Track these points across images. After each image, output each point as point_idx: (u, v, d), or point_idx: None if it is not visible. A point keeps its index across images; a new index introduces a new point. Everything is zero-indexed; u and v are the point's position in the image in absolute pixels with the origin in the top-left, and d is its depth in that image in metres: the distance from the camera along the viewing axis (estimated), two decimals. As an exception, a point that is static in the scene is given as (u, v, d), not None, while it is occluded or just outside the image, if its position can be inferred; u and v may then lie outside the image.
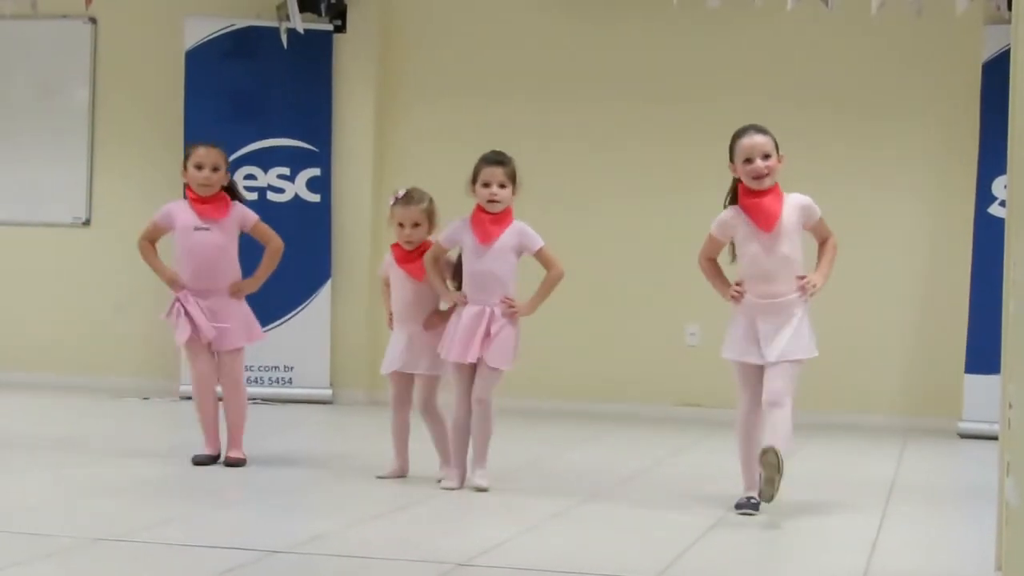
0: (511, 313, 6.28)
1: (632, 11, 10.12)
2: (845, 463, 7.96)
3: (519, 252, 6.35)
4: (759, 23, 9.82)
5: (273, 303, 10.08)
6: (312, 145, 10.33)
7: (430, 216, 6.51)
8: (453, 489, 6.29)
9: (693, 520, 5.72)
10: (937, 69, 9.84)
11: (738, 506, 5.90)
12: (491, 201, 6.28)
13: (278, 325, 10.09)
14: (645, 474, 7.24)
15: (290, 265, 10.15)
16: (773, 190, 5.96)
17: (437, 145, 10.34)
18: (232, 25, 10.34)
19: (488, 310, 6.26)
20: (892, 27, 9.59)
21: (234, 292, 6.92)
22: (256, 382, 10.07)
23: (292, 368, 10.23)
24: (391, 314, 6.62)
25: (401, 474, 6.62)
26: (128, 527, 5.24)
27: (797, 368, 5.90)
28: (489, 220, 6.30)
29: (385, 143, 10.49)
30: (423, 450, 6.68)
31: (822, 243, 6.07)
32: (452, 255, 6.54)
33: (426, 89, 10.47)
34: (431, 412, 6.56)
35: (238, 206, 7.05)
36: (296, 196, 10.28)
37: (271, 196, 10.23)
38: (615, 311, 10.09)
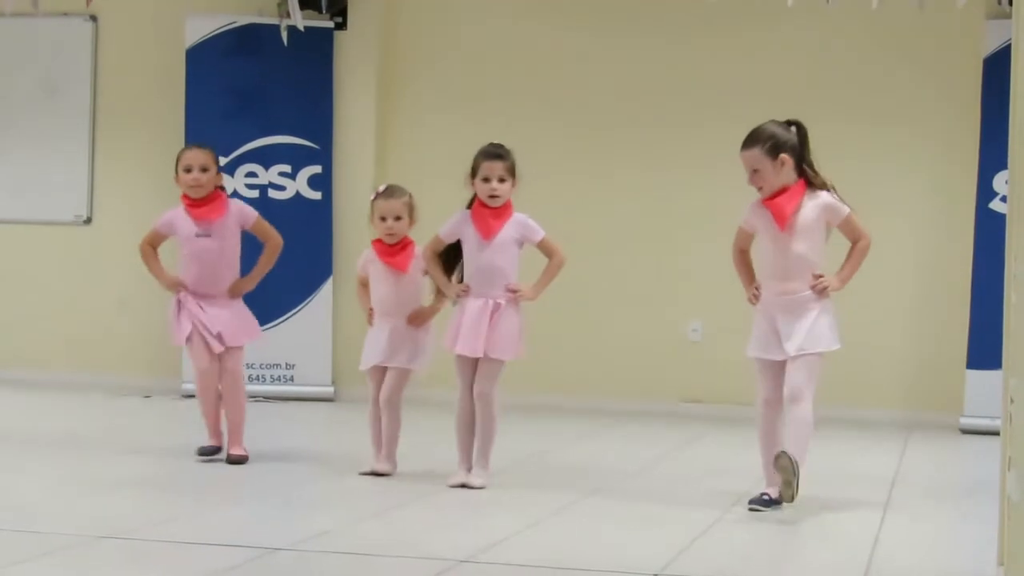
0: (515, 298, 6.28)
1: (634, 18, 10.10)
2: (847, 458, 7.96)
3: (521, 243, 6.37)
4: (760, 20, 9.81)
5: (274, 301, 10.07)
6: (313, 143, 10.31)
7: (411, 210, 6.56)
8: (459, 486, 6.28)
9: (695, 516, 5.72)
10: (938, 64, 9.81)
11: (751, 501, 5.90)
12: (492, 196, 6.29)
13: (280, 323, 10.09)
14: (647, 470, 7.24)
15: (291, 263, 10.15)
16: (789, 189, 5.93)
17: (439, 142, 10.32)
18: (233, 22, 10.32)
19: (491, 302, 6.27)
20: (893, 22, 9.57)
21: (233, 292, 6.96)
22: (258, 380, 10.07)
23: (294, 366, 10.23)
24: (371, 310, 6.63)
25: (391, 471, 6.60)
26: (130, 525, 5.24)
27: (817, 361, 5.92)
28: (490, 214, 6.31)
29: (386, 141, 10.49)
30: (413, 445, 6.69)
31: (852, 244, 6.05)
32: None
33: (427, 86, 10.46)
34: (394, 406, 6.57)
35: (236, 203, 7.06)
36: (297, 194, 10.27)
37: (272, 194, 10.23)
38: (617, 307, 10.08)
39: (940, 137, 9.81)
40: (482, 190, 6.30)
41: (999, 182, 9.25)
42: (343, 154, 10.37)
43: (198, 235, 6.91)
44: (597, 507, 6.04)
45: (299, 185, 10.28)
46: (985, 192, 9.42)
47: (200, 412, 6.99)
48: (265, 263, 7.09)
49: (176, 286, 6.92)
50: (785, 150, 5.94)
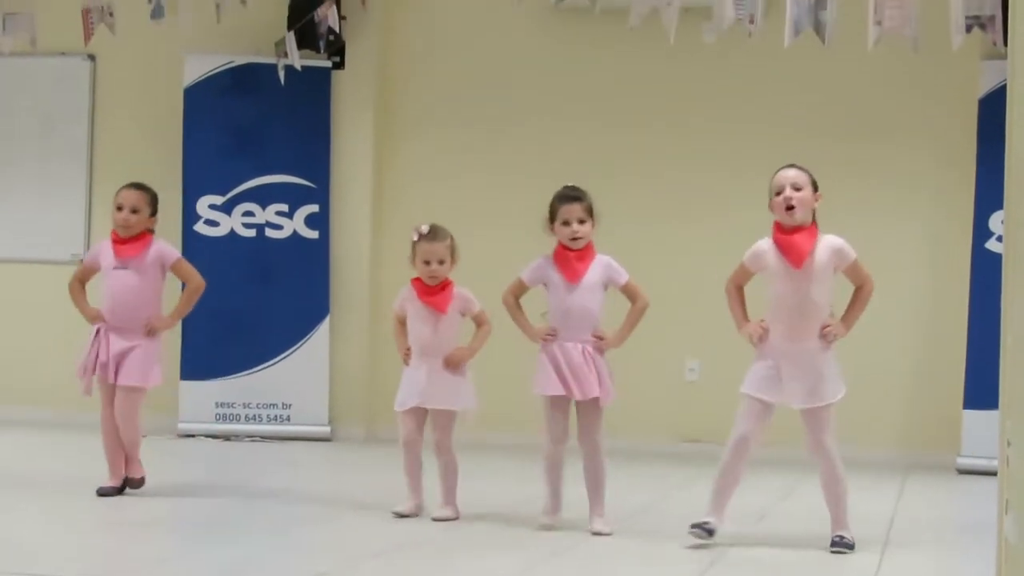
0: (600, 346, 6.26)
1: (628, 43, 10.14)
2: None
3: (606, 286, 6.35)
4: (755, 57, 9.85)
5: (271, 340, 10.07)
6: (310, 182, 10.34)
7: (453, 252, 6.52)
8: (550, 527, 6.27)
9: (694, 556, 5.71)
10: (934, 104, 9.86)
11: (693, 526, 5.90)
12: (574, 239, 6.27)
13: (276, 362, 10.08)
14: (645, 510, 7.22)
15: (288, 302, 10.18)
16: (806, 229, 5.91)
17: (435, 181, 10.37)
18: (231, 62, 10.37)
19: (581, 346, 6.24)
20: (889, 62, 9.61)
21: (148, 329, 7.00)
22: (254, 419, 10.06)
23: (290, 405, 10.21)
24: (408, 350, 6.56)
25: (417, 512, 6.55)
26: (125, 565, 5.22)
27: (830, 412, 5.94)
28: (575, 257, 6.28)
29: (383, 180, 10.51)
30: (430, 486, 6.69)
31: (857, 289, 6.01)
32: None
33: (424, 126, 10.50)
34: (447, 450, 6.51)
35: (157, 244, 7.10)
36: (294, 232, 10.29)
37: (269, 233, 10.24)
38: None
39: (936, 177, 9.84)
40: (564, 233, 6.27)
41: (995, 222, 9.27)
42: (340, 193, 10.39)
43: (115, 267, 7.00)
44: (596, 548, 6.01)
45: (296, 224, 10.30)
46: (981, 232, 9.44)
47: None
48: (185, 303, 7.17)
49: (96, 319, 7.03)
50: (816, 188, 5.95)
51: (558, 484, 6.37)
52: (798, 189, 5.90)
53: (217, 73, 10.37)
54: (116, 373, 6.95)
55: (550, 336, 6.26)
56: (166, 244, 7.16)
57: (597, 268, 6.31)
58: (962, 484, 8.87)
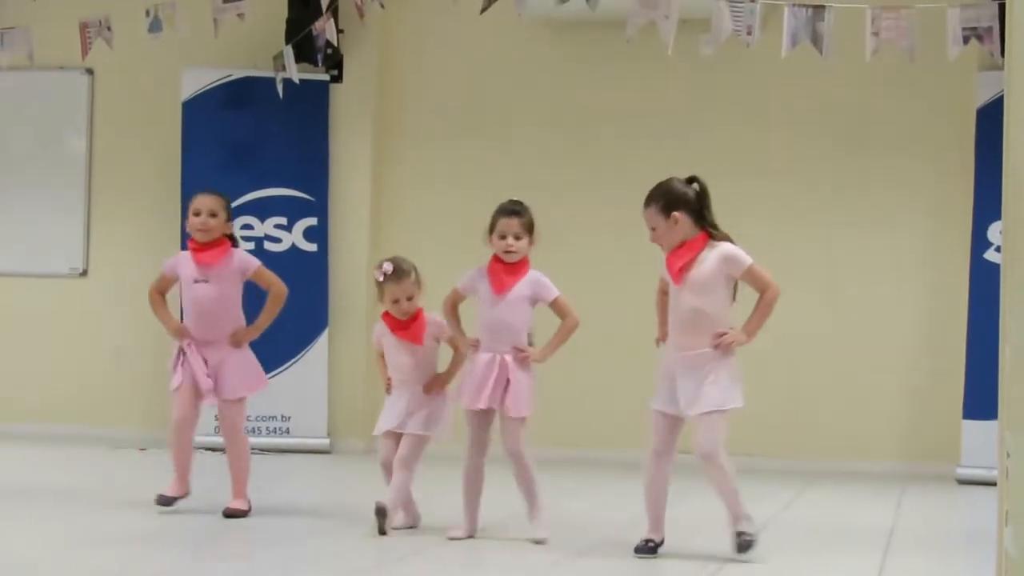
0: (522, 358, 6.29)
1: (625, 54, 10.12)
2: (843, 511, 7.93)
3: (534, 302, 6.39)
4: (753, 69, 9.84)
5: (270, 352, 10.03)
6: (309, 195, 10.34)
7: (419, 284, 6.57)
8: (460, 539, 6.27)
9: (693, 569, 5.70)
10: (932, 115, 9.86)
11: (637, 549, 5.96)
12: (507, 252, 6.33)
13: (275, 375, 10.04)
14: (634, 526, 7.19)
15: (287, 315, 10.13)
16: (688, 243, 5.92)
17: (434, 194, 10.36)
18: (229, 75, 10.37)
19: (499, 357, 6.29)
20: (886, 73, 9.61)
21: (234, 341, 6.94)
22: (253, 432, 10.03)
23: (289, 418, 10.21)
24: (389, 380, 6.63)
25: (414, 523, 6.63)
26: (125, 580, 5.21)
27: (720, 419, 5.87)
28: (504, 270, 6.35)
29: (382, 192, 10.51)
30: (430, 500, 6.67)
31: (760, 295, 5.96)
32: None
33: (423, 138, 10.49)
34: (407, 467, 6.49)
35: (238, 253, 7.07)
36: (293, 246, 10.29)
37: (268, 246, 10.23)
38: (616, 356, 10.02)
39: (935, 187, 9.84)
40: (498, 246, 6.35)
41: (994, 232, 9.27)
42: (339, 206, 10.38)
43: (197, 280, 6.92)
44: (595, 562, 6.01)
45: (295, 237, 10.30)
46: (980, 242, 9.44)
47: (171, 456, 6.97)
48: (269, 312, 7.08)
49: (180, 333, 6.93)
50: (679, 207, 5.93)
51: (471, 496, 6.37)
52: (653, 228, 6.00)
53: (215, 87, 10.37)
54: (217, 387, 6.86)
55: (473, 347, 6.34)
56: (245, 252, 7.13)
57: (526, 283, 6.36)
58: (962, 495, 8.86)
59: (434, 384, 6.57)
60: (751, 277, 5.94)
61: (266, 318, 7.08)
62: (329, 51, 10.08)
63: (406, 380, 6.57)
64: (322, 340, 10.23)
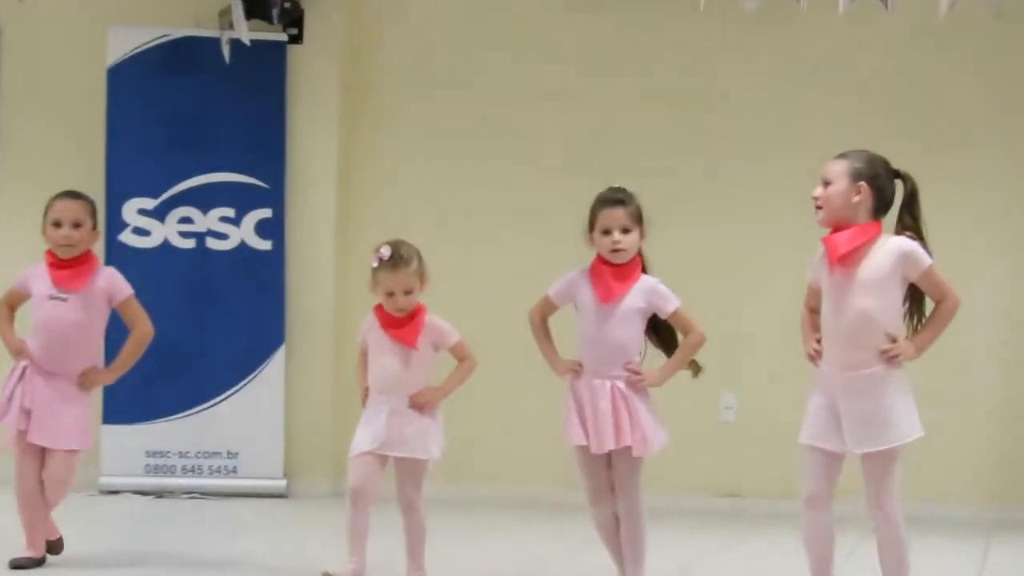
0: (636, 383, 6.19)
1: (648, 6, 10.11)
2: (923, 560, 7.82)
3: (648, 314, 6.26)
4: (804, 30, 9.81)
5: (214, 375, 10.00)
6: (262, 181, 10.29)
7: (422, 277, 6.47)
8: None
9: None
10: (1021, 85, 9.82)
11: None
12: (615, 251, 6.19)
13: (219, 402, 10.04)
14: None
15: (235, 328, 10.11)
16: (858, 225, 5.74)
17: (413, 178, 10.32)
18: (165, 36, 10.32)
19: (610, 385, 6.16)
20: (965, 33, 9.63)
21: (83, 382, 6.90)
22: (193, 471, 9.99)
23: (237, 455, 10.14)
24: (367, 389, 6.54)
25: None
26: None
27: (895, 457, 5.80)
28: (612, 273, 6.21)
29: (350, 178, 10.45)
30: (384, 545, 6.61)
31: (936, 304, 5.80)
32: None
33: (399, 112, 10.45)
34: (415, 508, 6.49)
35: (107, 273, 7.01)
36: (242, 243, 10.23)
37: (211, 243, 10.18)
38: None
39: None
40: (602, 244, 6.22)
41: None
42: (298, 195, 10.34)
43: (52, 297, 6.85)
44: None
45: (244, 233, 10.24)
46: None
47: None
48: (130, 355, 7.05)
49: (20, 353, 6.87)
50: (867, 180, 5.78)
51: (614, 548, 6.35)
52: (828, 183, 5.79)
53: (148, 49, 10.31)
54: (40, 429, 6.78)
55: (575, 372, 6.20)
56: (117, 274, 7.04)
57: (639, 291, 6.23)
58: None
59: (426, 397, 6.46)
60: (928, 281, 5.76)
61: (125, 362, 7.05)
62: (287, 5, 10.05)
63: (389, 388, 6.46)
64: (277, 359, 10.17)
